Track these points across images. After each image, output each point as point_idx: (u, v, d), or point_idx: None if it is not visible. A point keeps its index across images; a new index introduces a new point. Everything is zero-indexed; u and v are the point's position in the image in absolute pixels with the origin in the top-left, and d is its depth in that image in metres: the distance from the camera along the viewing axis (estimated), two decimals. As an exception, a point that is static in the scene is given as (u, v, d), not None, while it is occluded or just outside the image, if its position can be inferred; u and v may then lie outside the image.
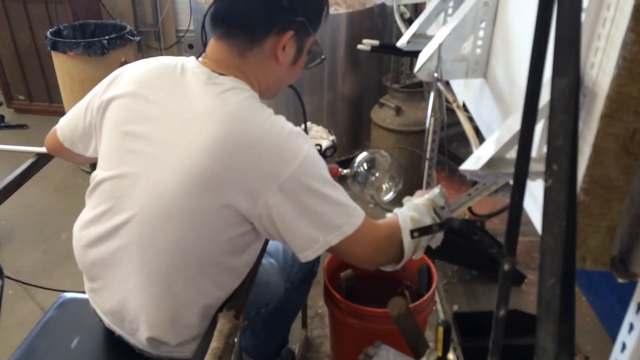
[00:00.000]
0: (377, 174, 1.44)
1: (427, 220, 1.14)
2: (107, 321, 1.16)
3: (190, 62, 1.08)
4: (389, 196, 1.43)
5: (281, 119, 1.03)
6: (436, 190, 1.21)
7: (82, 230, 1.14)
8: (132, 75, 1.11)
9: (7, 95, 3.75)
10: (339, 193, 1.04)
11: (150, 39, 4.04)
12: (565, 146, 0.56)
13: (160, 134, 1.02)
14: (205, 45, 1.12)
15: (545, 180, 0.58)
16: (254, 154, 0.96)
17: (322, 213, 1.00)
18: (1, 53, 3.62)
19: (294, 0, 1.04)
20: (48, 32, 3.10)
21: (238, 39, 1.05)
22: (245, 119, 0.99)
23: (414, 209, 1.15)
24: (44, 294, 2.25)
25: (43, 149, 1.37)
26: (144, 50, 4.03)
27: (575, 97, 0.56)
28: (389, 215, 1.17)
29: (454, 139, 2.95)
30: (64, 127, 1.26)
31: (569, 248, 0.61)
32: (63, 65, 3.07)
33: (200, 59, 1.10)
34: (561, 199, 0.57)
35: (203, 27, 1.13)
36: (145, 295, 1.06)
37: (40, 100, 3.71)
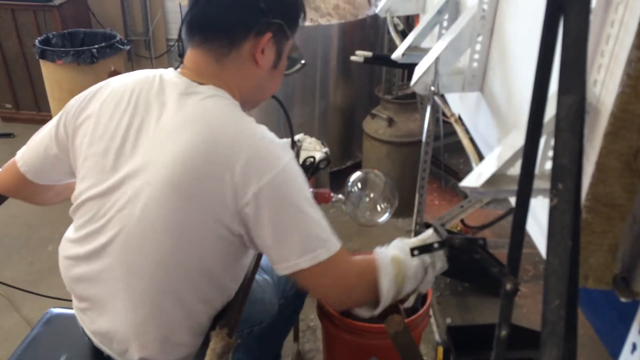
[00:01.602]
0: (371, 195, 1.41)
1: (412, 263, 1.07)
2: (96, 341, 1.13)
3: (168, 73, 1.06)
4: (385, 217, 1.40)
5: (262, 127, 1.01)
6: (429, 231, 1.14)
7: (68, 250, 1.11)
8: (109, 91, 1.08)
9: (-6, 103, 3.72)
10: (316, 214, 0.99)
11: (140, 48, 4.01)
12: (571, 165, 0.55)
13: (140, 149, 1.00)
14: (182, 55, 1.10)
15: (551, 200, 0.56)
16: (232, 160, 0.94)
17: (296, 231, 0.96)
18: (-12, 61, 3.58)
19: (271, 2, 1.03)
20: (37, 40, 3.07)
21: (215, 45, 1.03)
22: (224, 126, 0.98)
23: (399, 248, 1.08)
24: (30, 306, 2.20)
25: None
26: (133, 60, 4.00)
27: (581, 115, 0.55)
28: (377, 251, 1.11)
29: (445, 149, 2.96)
30: (27, 156, 1.18)
31: (572, 268, 0.59)
32: (52, 74, 3.04)
33: (179, 69, 1.08)
34: (567, 219, 0.56)
35: (180, 37, 1.11)
36: (133, 316, 1.04)
37: (27, 109, 3.66)
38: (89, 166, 1.06)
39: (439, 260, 1.11)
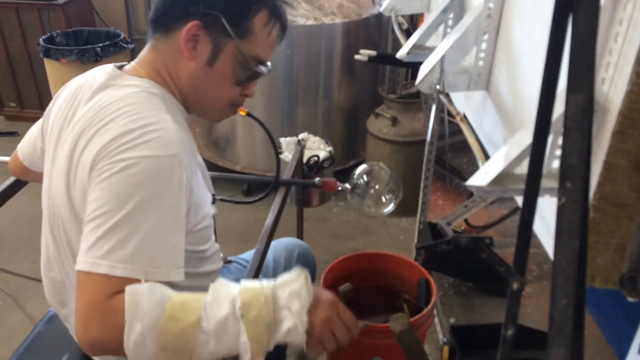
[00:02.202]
0: (376, 187, 1.42)
1: (217, 313, 0.82)
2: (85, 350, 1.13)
3: (108, 67, 1.04)
4: (389, 208, 1.42)
5: (163, 118, 0.91)
6: (302, 279, 0.89)
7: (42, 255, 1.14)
8: (67, 88, 1.09)
9: (-2, 102, 3.72)
10: (150, 228, 0.83)
11: (143, 47, 4.02)
12: (579, 164, 0.55)
13: (54, 147, 1.02)
14: None
15: (559, 199, 0.56)
16: (108, 128, 0.90)
17: (106, 227, 0.83)
18: (-8, 59, 3.59)
19: None
20: (41, 39, 3.07)
21: (157, 34, 1.03)
22: (110, 108, 0.92)
23: (212, 291, 0.86)
24: (34, 305, 2.20)
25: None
26: (137, 58, 4.01)
27: (590, 114, 0.55)
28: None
29: (449, 149, 2.95)
30: (23, 146, 1.23)
31: (580, 268, 0.59)
32: (56, 73, 3.04)
33: (133, 63, 1.06)
34: (575, 218, 0.56)
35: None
36: None
37: (31, 108, 3.67)
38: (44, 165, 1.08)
39: (290, 319, 0.85)
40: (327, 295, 0.94)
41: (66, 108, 1.03)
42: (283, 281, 0.89)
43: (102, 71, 1.03)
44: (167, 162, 0.87)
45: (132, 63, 1.06)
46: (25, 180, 1.34)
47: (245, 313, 0.83)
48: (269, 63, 1.06)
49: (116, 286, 0.81)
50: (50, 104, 1.12)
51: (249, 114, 1.13)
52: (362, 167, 1.45)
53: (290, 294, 0.86)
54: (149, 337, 0.80)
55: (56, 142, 1.02)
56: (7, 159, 1.71)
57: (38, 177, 1.17)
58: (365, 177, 1.43)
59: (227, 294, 0.85)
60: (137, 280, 0.82)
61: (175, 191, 0.87)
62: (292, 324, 0.85)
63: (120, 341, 0.79)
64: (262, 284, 0.88)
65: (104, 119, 0.92)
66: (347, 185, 1.43)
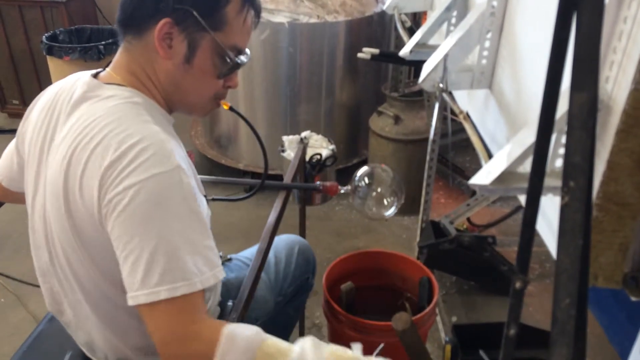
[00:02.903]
0: (378, 189, 1.41)
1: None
2: (86, 351, 1.13)
3: (85, 76, 1.00)
4: (391, 211, 1.40)
5: (153, 130, 0.89)
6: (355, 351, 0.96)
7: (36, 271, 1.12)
8: (41, 100, 1.07)
9: (1, 99, 3.71)
10: (184, 240, 0.85)
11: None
12: (583, 163, 0.55)
13: (43, 163, 0.99)
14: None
15: (562, 198, 0.56)
16: (97, 164, 0.87)
17: (145, 256, 0.83)
18: (-5, 57, 3.60)
19: None
20: (44, 36, 3.07)
21: (127, 37, 0.98)
22: (100, 128, 0.89)
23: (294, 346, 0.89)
24: (36, 302, 2.21)
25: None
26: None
27: (594, 113, 0.55)
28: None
29: (452, 147, 2.95)
30: (0, 166, 1.18)
31: (582, 267, 0.59)
32: (58, 70, 3.04)
33: (107, 69, 1.02)
34: (578, 217, 0.56)
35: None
36: (101, 330, 1.03)
37: (34, 105, 3.69)
38: (25, 181, 1.06)
39: None
40: None
41: (45, 120, 1.00)
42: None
43: (79, 81, 0.99)
44: (173, 175, 0.87)
45: (108, 70, 1.01)
46: (5, 201, 1.27)
47: None
48: (247, 51, 1.03)
49: (184, 306, 0.84)
50: (25, 117, 1.08)
51: (231, 109, 1.10)
52: (364, 169, 1.44)
53: None
54: None
55: (39, 158, 0.99)
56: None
57: (20, 198, 1.15)
58: (366, 180, 1.42)
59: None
60: (200, 293, 0.85)
61: (190, 199, 0.88)
62: None
63: None
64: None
65: (93, 139, 0.89)
66: (349, 188, 1.42)
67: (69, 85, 1.01)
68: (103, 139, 0.88)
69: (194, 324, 0.85)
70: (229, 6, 0.96)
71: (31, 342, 1.27)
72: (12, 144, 1.15)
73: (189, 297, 0.84)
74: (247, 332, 0.86)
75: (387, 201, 1.41)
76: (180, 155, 0.91)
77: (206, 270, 0.86)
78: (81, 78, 1.00)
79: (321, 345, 0.91)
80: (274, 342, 0.87)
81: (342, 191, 1.43)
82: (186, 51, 0.96)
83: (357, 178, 1.42)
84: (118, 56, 1.01)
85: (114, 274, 0.90)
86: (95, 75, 1.01)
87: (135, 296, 0.84)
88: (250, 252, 1.46)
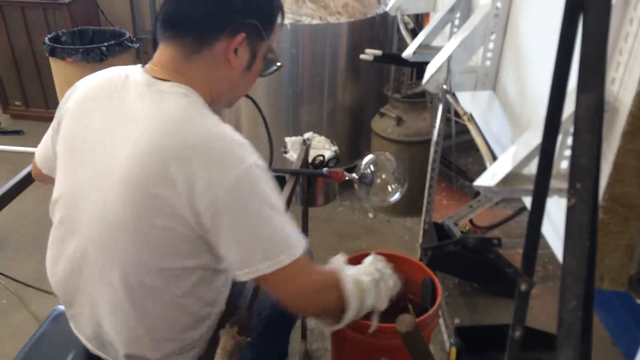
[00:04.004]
0: (382, 176, 1.45)
1: (365, 279, 1.10)
2: (92, 348, 1.13)
3: (134, 70, 1.05)
4: (395, 197, 1.45)
5: (225, 127, 0.98)
6: (369, 258, 1.22)
7: (50, 254, 1.12)
8: (80, 91, 1.08)
9: (4, 100, 3.72)
10: (282, 217, 0.97)
11: (148, 46, 4.01)
12: (589, 165, 0.54)
13: (101, 148, 1.00)
14: (155, 50, 1.07)
15: (569, 199, 0.56)
16: (187, 162, 0.91)
17: (259, 236, 0.94)
18: (-2, 58, 3.60)
19: (247, 2, 1.01)
20: (46, 37, 3.08)
21: (186, 41, 1.01)
22: (183, 123, 0.95)
23: (348, 268, 1.11)
24: (38, 303, 2.21)
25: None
26: (142, 57, 4.00)
27: (600, 114, 0.54)
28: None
29: (454, 149, 2.95)
30: (39, 153, 1.23)
31: (588, 269, 0.59)
32: (61, 72, 3.05)
33: (147, 65, 1.05)
34: (585, 219, 0.55)
35: (154, 32, 1.07)
36: (115, 316, 1.03)
37: (36, 106, 3.68)
38: (61, 166, 1.07)
39: (390, 278, 1.18)
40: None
41: (95, 112, 1.03)
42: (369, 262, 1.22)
43: (131, 75, 1.03)
44: (258, 163, 0.96)
45: (154, 67, 1.03)
46: (45, 184, 1.33)
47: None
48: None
49: (302, 265, 0.97)
50: (61, 110, 1.10)
51: (247, 96, 1.22)
52: (369, 157, 1.47)
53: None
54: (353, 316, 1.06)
55: (90, 146, 1.02)
56: (13, 148, 1.70)
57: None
58: (372, 167, 1.45)
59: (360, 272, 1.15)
60: (307, 258, 0.99)
61: (272, 182, 0.99)
62: (392, 282, 1.21)
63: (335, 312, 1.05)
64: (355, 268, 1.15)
65: (178, 138, 0.93)
66: (355, 175, 1.45)
67: (116, 77, 1.05)
68: (190, 138, 0.93)
69: (315, 275, 1.03)
70: (278, 16, 1.09)
71: (34, 343, 1.27)
72: (48, 135, 1.18)
73: (302, 258, 0.96)
74: (348, 272, 1.08)
75: (391, 188, 1.45)
76: (251, 148, 1.01)
77: (299, 239, 0.99)
78: (131, 72, 1.04)
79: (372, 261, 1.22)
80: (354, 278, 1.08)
81: (348, 177, 1.45)
82: (249, 59, 1.06)
83: (362, 166, 1.45)
84: (164, 55, 1.03)
85: (169, 263, 0.97)
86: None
87: (258, 269, 0.94)
88: None
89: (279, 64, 1.19)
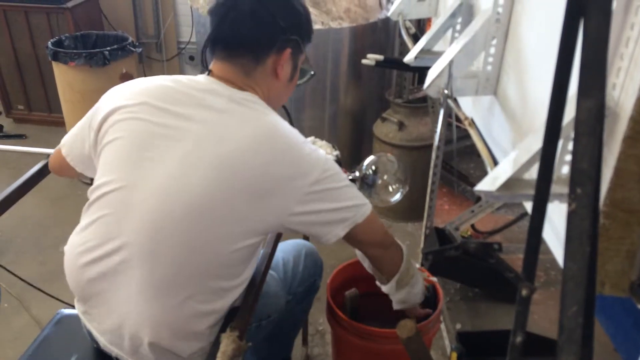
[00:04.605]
0: (384, 176, 1.46)
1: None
2: (104, 341, 1.12)
3: (202, 78, 1.13)
4: (396, 197, 1.45)
5: (296, 131, 1.12)
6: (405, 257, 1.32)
7: (79, 247, 1.11)
8: (141, 88, 1.11)
9: (7, 104, 3.73)
10: (353, 186, 1.15)
11: (151, 51, 4.03)
12: (590, 170, 0.54)
13: (184, 145, 1.03)
14: (206, 66, 1.17)
15: (569, 204, 0.56)
16: (286, 161, 1.03)
17: (347, 201, 1.11)
18: (1, 62, 3.59)
19: (289, 20, 1.12)
20: (49, 42, 3.09)
21: (243, 60, 1.11)
22: (275, 129, 1.06)
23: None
24: (40, 307, 2.21)
25: (44, 150, 1.34)
26: (145, 62, 4.01)
27: (601, 119, 0.54)
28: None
29: (456, 154, 2.94)
30: (68, 143, 1.24)
31: (589, 274, 0.58)
32: (64, 76, 3.05)
33: (209, 76, 1.14)
34: (585, 224, 0.55)
35: (204, 50, 1.17)
36: (147, 309, 1.04)
37: (39, 110, 3.68)
38: (119, 159, 1.07)
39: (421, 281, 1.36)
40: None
41: (166, 110, 1.07)
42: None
43: (202, 81, 1.11)
44: (329, 158, 1.12)
45: (222, 81, 1.11)
46: (61, 175, 1.37)
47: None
48: None
49: (373, 220, 1.17)
50: (110, 105, 1.11)
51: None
52: (371, 158, 1.49)
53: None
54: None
55: (165, 144, 1.04)
56: (16, 148, 1.70)
57: (76, 175, 1.28)
58: (373, 168, 1.46)
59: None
60: (375, 214, 1.17)
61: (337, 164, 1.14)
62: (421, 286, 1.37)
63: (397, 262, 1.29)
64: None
65: (271, 147, 1.04)
66: (357, 174, 1.46)
67: (183, 81, 1.11)
68: (277, 147, 1.05)
69: (388, 232, 1.26)
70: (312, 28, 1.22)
71: (37, 346, 1.27)
72: (84, 129, 1.18)
73: (372, 214, 1.15)
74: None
75: (392, 188, 1.46)
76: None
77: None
78: (198, 78, 1.13)
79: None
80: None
81: (350, 177, 1.45)
82: (291, 72, 1.19)
83: (364, 166, 1.45)
84: (222, 71, 1.12)
85: (226, 256, 1.05)
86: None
87: (354, 220, 1.11)
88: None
89: (312, 72, 1.32)
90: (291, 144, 1.06)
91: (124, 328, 1.08)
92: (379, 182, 1.46)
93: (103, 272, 1.08)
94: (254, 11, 1.08)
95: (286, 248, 1.53)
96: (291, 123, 1.35)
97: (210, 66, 1.15)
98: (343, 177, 1.12)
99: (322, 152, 1.11)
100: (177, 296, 1.04)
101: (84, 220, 1.12)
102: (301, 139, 1.10)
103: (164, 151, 1.04)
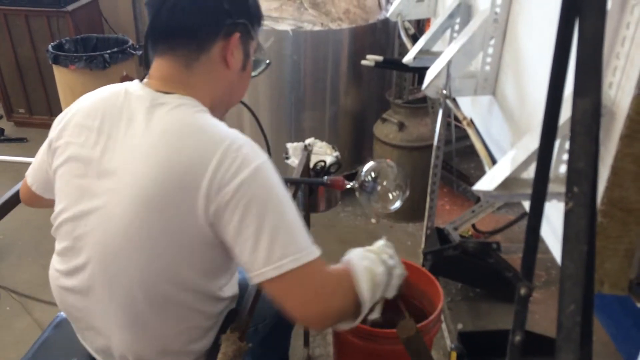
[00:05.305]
0: (384, 183, 1.43)
1: (379, 269, 1.05)
2: (100, 358, 1.13)
3: (133, 86, 1.04)
4: (396, 205, 1.43)
5: (234, 132, 0.99)
6: (381, 241, 1.17)
7: (55, 272, 1.11)
8: (79, 110, 1.07)
9: (7, 108, 3.73)
10: (292, 218, 0.95)
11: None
12: (586, 168, 0.54)
13: (110, 166, 0.99)
14: (148, 65, 1.07)
15: (566, 203, 0.56)
16: (202, 170, 0.92)
17: (266, 237, 0.92)
18: (2, 66, 3.60)
19: (235, 2, 1.02)
20: (50, 45, 3.10)
21: (184, 51, 1.01)
22: (193, 136, 0.95)
23: (364, 257, 1.07)
24: (41, 310, 2.21)
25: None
26: (145, 64, 4.03)
27: (597, 118, 0.54)
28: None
29: (456, 154, 2.94)
30: (32, 172, 1.20)
31: (588, 273, 0.59)
32: (64, 79, 3.06)
33: (144, 80, 1.06)
34: (582, 223, 0.55)
35: (146, 47, 1.07)
36: (125, 332, 1.03)
37: (40, 114, 3.69)
38: (60, 187, 1.06)
39: (399, 267, 1.13)
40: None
41: (98, 130, 1.01)
42: (378, 246, 1.14)
43: (133, 91, 1.02)
44: (269, 164, 0.97)
45: (149, 81, 1.04)
46: (33, 206, 1.30)
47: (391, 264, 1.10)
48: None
49: (309, 272, 0.93)
50: (58, 129, 1.09)
51: (242, 102, 1.22)
52: (370, 164, 1.46)
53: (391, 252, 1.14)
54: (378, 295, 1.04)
55: (95, 165, 1.00)
56: (17, 158, 1.71)
57: (49, 204, 1.17)
58: (372, 174, 1.43)
59: (374, 257, 1.08)
60: (320, 261, 0.95)
61: (281, 182, 0.98)
62: (400, 271, 1.13)
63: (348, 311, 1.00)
64: (372, 254, 1.09)
65: (189, 146, 0.94)
66: (355, 184, 1.44)
67: (115, 94, 1.03)
68: (200, 145, 0.94)
69: (324, 286, 0.96)
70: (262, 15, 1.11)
71: (36, 349, 1.27)
72: (44, 153, 1.15)
73: (311, 264, 0.93)
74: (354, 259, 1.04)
75: (392, 195, 1.43)
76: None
77: (311, 243, 0.96)
78: (130, 87, 1.03)
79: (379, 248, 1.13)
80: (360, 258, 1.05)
81: (349, 186, 1.44)
82: (243, 59, 1.07)
83: (363, 173, 1.43)
84: (160, 69, 1.03)
85: (182, 274, 0.98)
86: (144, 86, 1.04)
87: (262, 273, 0.92)
88: None
89: (267, 61, 1.22)
90: (208, 147, 0.94)
91: (112, 349, 1.08)
92: (379, 189, 1.43)
93: (80, 299, 1.07)
94: None
95: None
96: (255, 117, 1.34)
97: (152, 64, 1.05)
98: (280, 196, 0.96)
99: (258, 157, 0.96)
100: (150, 322, 1.01)
101: (56, 245, 1.11)
102: (225, 140, 0.95)
103: (97, 181, 1.00)
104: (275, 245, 0.92)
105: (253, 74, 1.17)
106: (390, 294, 1.11)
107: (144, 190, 0.94)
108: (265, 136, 1.39)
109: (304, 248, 0.93)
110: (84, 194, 1.01)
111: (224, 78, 1.06)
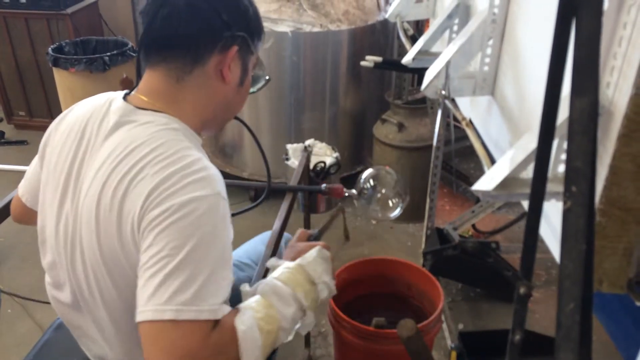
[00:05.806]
0: (383, 191, 1.42)
1: (287, 311, 0.94)
2: None
3: (117, 100, 1.00)
4: (396, 213, 1.42)
5: (193, 158, 0.90)
6: (313, 253, 1.06)
7: (47, 284, 1.10)
8: (67, 121, 1.05)
9: (8, 111, 3.74)
10: (209, 266, 0.85)
11: (151, 55, 4.05)
12: (584, 168, 0.55)
13: (81, 185, 0.96)
14: (140, 76, 1.03)
15: (565, 203, 0.56)
16: (139, 189, 0.87)
17: (160, 274, 0.82)
18: (2, 68, 3.61)
19: (233, 14, 0.97)
20: (49, 48, 3.10)
21: (178, 63, 0.96)
22: (143, 153, 0.90)
23: (274, 294, 0.95)
24: (43, 312, 2.21)
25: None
26: (137, 75, 4.03)
27: (595, 117, 0.55)
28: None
29: (456, 154, 2.95)
30: (24, 182, 1.17)
31: (586, 272, 0.59)
32: (64, 82, 3.07)
33: (132, 92, 1.01)
34: (581, 222, 0.56)
35: (138, 57, 1.02)
36: (116, 343, 1.02)
37: (40, 117, 3.69)
38: (42, 201, 1.04)
39: (326, 288, 1.03)
40: (326, 253, 1.09)
41: (73, 144, 0.99)
42: (308, 262, 1.03)
43: (112, 105, 0.99)
44: (212, 201, 0.87)
45: (136, 94, 1.00)
46: (26, 224, 1.24)
47: (307, 303, 0.99)
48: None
49: (185, 330, 0.81)
50: (46, 137, 1.07)
51: (236, 117, 1.15)
52: (369, 172, 1.45)
53: (320, 271, 1.04)
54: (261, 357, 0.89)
55: (64, 184, 0.98)
56: (18, 167, 1.71)
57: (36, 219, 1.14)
58: (371, 182, 1.42)
59: (288, 292, 0.97)
60: (207, 322, 0.83)
61: (225, 227, 0.89)
62: (327, 293, 1.04)
63: None
64: (296, 270, 1.01)
65: (137, 164, 0.89)
66: (354, 191, 1.43)
67: (99, 107, 1.00)
68: (148, 165, 0.89)
69: (195, 355, 0.81)
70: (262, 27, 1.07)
71: (37, 351, 1.28)
72: (35, 163, 1.13)
73: (195, 323, 0.82)
74: (246, 319, 0.88)
75: (391, 202, 1.42)
76: (222, 181, 0.93)
77: (219, 301, 0.86)
78: (114, 101, 1.00)
79: (274, 280, 0.99)
80: (254, 301, 0.94)
81: (347, 194, 1.44)
82: (241, 74, 1.03)
83: (362, 181, 1.43)
84: (150, 81, 0.99)
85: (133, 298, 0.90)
86: (125, 99, 1.00)
87: (141, 311, 0.83)
88: (241, 252, 1.48)
89: (267, 77, 1.19)
90: (148, 170, 0.88)
91: (108, 357, 1.08)
92: (378, 196, 1.42)
93: (70, 311, 1.07)
94: (190, 4, 0.94)
95: (265, 239, 1.44)
96: (251, 133, 1.28)
97: (143, 76, 1.01)
98: (201, 238, 0.85)
99: (201, 191, 0.87)
100: (137, 334, 0.95)
101: (42, 258, 1.10)
102: (171, 163, 0.88)
103: (70, 201, 0.98)
104: (169, 286, 0.82)
105: (252, 90, 1.13)
106: (305, 330, 1.02)
107: (94, 215, 0.92)
108: (262, 152, 1.34)
109: (197, 303, 0.82)
110: (61, 211, 0.99)
111: (219, 93, 1.01)
